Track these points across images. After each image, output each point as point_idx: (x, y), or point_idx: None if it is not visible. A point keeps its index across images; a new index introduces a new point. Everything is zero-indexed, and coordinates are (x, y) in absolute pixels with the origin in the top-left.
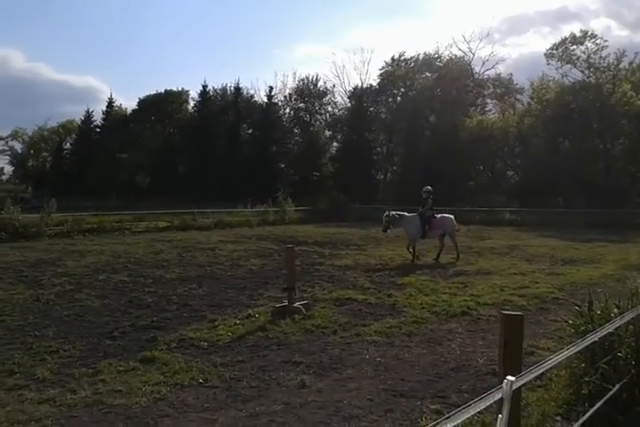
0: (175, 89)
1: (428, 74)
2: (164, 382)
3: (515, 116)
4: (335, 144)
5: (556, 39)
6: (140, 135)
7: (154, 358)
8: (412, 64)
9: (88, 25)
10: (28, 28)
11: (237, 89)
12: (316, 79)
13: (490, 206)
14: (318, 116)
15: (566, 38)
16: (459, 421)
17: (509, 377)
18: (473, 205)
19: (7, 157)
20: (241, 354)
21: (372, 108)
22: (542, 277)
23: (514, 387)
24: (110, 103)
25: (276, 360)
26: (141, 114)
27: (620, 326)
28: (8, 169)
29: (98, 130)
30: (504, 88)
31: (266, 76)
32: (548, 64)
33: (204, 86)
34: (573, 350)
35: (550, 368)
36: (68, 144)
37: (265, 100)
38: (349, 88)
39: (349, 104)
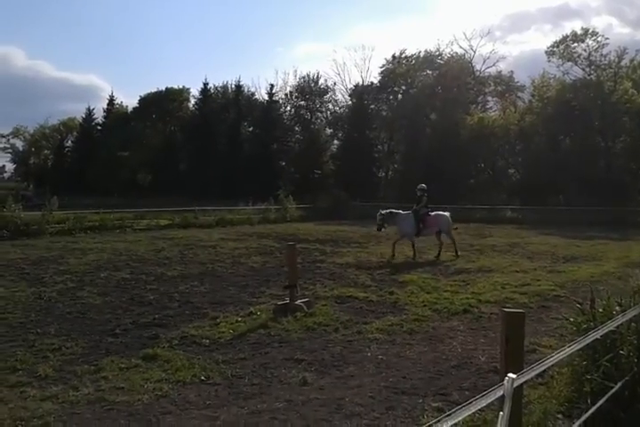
0: (176, 87)
1: (428, 71)
2: (165, 379)
3: (516, 113)
4: (336, 142)
5: (557, 37)
6: (141, 133)
7: (156, 355)
8: (413, 62)
9: (89, 23)
10: (30, 26)
11: (238, 87)
12: (317, 77)
13: (491, 204)
14: (319, 114)
15: (567, 36)
16: (460, 418)
17: (511, 375)
18: (474, 202)
19: (9, 155)
20: (242, 351)
21: (372, 106)
22: (544, 275)
23: (515, 384)
24: (111, 101)
25: (278, 358)
26: (142, 112)
27: (621, 324)
28: (9, 167)
29: (99, 128)
30: (505, 86)
31: (267, 73)
32: (549, 62)
33: (205, 84)
34: (575, 347)
35: (552, 366)
36: (70, 142)
37: (266, 97)
38: (350, 86)
39: (350, 102)
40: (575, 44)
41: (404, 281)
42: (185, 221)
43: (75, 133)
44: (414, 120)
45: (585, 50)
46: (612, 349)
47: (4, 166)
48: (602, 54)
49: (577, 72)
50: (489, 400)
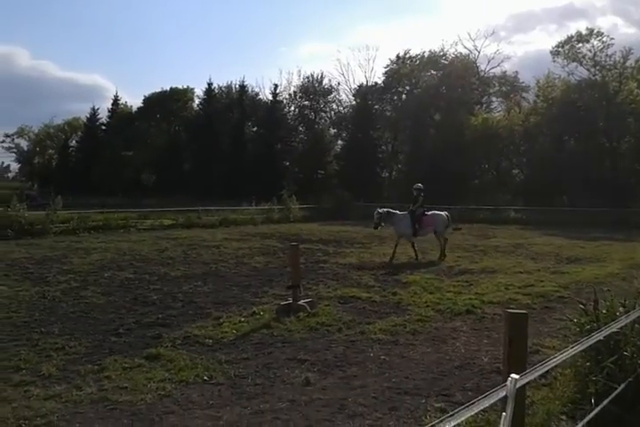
0: (180, 87)
1: (433, 72)
2: (168, 378)
3: (520, 114)
4: (340, 142)
5: (562, 37)
6: (146, 133)
7: (159, 355)
8: (418, 62)
9: (93, 23)
10: (34, 26)
11: (242, 87)
12: (321, 77)
13: (495, 205)
14: (323, 114)
15: (572, 36)
16: (463, 419)
17: (513, 375)
18: (478, 203)
19: (13, 155)
20: (246, 351)
21: (376, 106)
22: (547, 276)
23: (518, 385)
24: (116, 101)
25: (281, 358)
26: (147, 112)
27: (625, 325)
28: (14, 166)
29: (103, 127)
30: (509, 86)
31: (271, 73)
32: (554, 62)
33: (209, 84)
34: (578, 348)
35: (555, 367)
36: (74, 142)
37: (270, 97)
38: (354, 86)
39: (354, 102)
40: (580, 45)
41: (407, 282)
42: (188, 221)
43: (79, 133)
44: (418, 120)
45: (590, 50)
46: (616, 350)
47: (8, 166)
48: (607, 55)
49: (582, 72)
50: (492, 401)
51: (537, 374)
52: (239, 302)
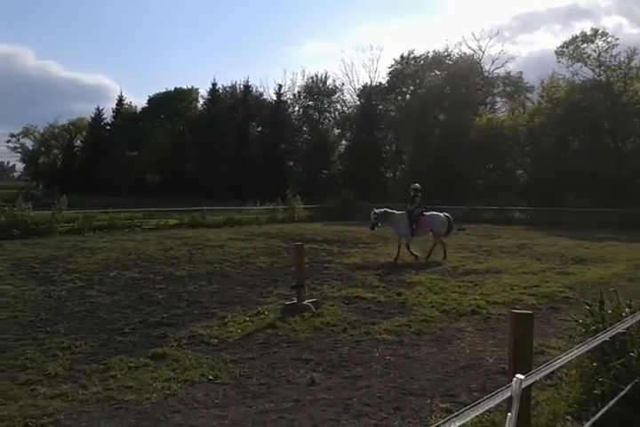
0: (185, 87)
1: (437, 72)
2: (174, 378)
3: (524, 114)
4: (344, 142)
5: (566, 37)
6: (150, 133)
7: (164, 354)
8: (422, 62)
9: (98, 23)
10: (39, 26)
11: (247, 87)
12: (325, 77)
13: (499, 205)
14: (327, 115)
15: (577, 36)
16: (468, 419)
17: (519, 376)
18: (482, 203)
19: (18, 155)
20: (251, 351)
21: (381, 107)
22: (552, 277)
23: (523, 385)
24: (120, 101)
25: (286, 358)
26: (151, 112)
27: (631, 326)
28: (19, 166)
29: (108, 128)
30: (514, 86)
31: (275, 74)
32: (559, 62)
33: (214, 84)
34: (584, 349)
35: (560, 367)
36: (79, 142)
37: (274, 98)
38: (358, 86)
39: (358, 102)
40: (585, 45)
41: (412, 282)
42: (193, 220)
43: (84, 133)
44: (422, 121)
45: (595, 50)
46: (622, 351)
47: (14, 166)
48: (612, 55)
49: (586, 73)
50: (497, 401)
51: (542, 374)
52: (244, 302)
